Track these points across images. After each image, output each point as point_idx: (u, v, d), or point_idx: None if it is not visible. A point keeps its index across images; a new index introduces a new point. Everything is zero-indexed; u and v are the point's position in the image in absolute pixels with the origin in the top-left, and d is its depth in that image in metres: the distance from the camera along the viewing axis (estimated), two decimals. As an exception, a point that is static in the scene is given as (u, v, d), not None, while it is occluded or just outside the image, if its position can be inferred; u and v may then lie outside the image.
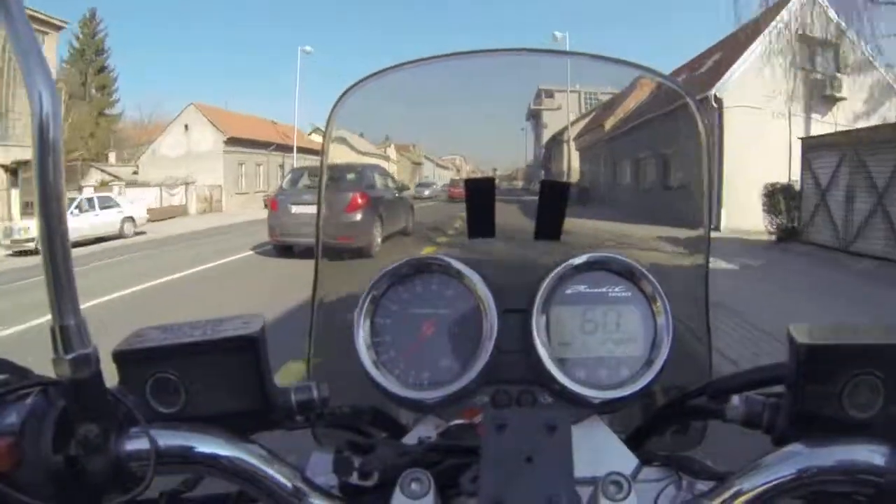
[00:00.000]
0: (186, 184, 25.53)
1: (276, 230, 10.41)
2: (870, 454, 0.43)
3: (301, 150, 31.36)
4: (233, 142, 28.65)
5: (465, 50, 0.76)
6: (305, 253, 9.17)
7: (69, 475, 0.41)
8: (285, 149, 31.38)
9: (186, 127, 28.60)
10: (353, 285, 0.69)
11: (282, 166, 31.48)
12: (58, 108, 0.37)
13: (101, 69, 32.00)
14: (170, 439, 0.45)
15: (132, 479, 0.43)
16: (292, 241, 10.18)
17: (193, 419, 0.49)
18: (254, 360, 0.50)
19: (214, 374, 0.49)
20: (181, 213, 24.19)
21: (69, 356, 0.39)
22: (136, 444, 0.44)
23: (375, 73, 0.73)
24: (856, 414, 0.46)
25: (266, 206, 23.46)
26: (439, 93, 0.86)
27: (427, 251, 0.72)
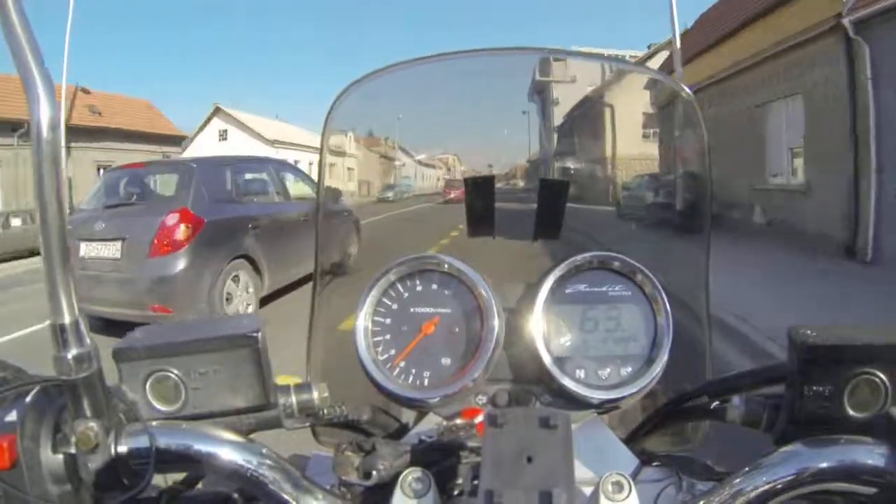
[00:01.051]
0: None
1: None
2: (870, 454, 0.43)
3: (166, 138, 19.73)
4: None
5: (464, 49, 0.77)
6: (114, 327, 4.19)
7: (68, 473, 0.41)
8: (114, 135, 17.37)
9: None
10: (354, 286, 0.69)
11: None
12: (57, 110, 0.37)
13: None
14: (169, 438, 0.45)
15: (132, 477, 0.43)
16: (86, 310, 2.43)
17: (193, 418, 0.49)
18: (254, 359, 0.49)
19: (214, 372, 0.49)
20: None
21: (69, 354, 0.39)
22: (136, 442, 0.44)
23: (373, 73, 0.73)
24: (856, 414, 0.46)
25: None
26: (436, 91, 0.86)
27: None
